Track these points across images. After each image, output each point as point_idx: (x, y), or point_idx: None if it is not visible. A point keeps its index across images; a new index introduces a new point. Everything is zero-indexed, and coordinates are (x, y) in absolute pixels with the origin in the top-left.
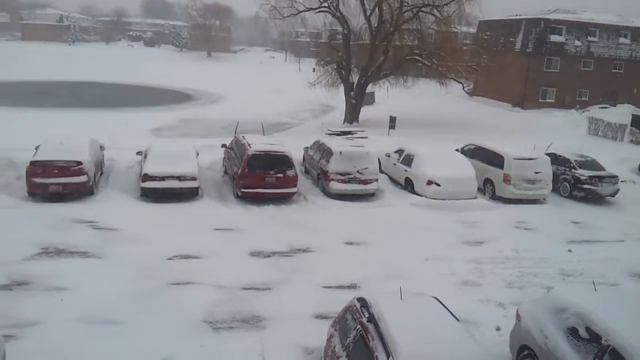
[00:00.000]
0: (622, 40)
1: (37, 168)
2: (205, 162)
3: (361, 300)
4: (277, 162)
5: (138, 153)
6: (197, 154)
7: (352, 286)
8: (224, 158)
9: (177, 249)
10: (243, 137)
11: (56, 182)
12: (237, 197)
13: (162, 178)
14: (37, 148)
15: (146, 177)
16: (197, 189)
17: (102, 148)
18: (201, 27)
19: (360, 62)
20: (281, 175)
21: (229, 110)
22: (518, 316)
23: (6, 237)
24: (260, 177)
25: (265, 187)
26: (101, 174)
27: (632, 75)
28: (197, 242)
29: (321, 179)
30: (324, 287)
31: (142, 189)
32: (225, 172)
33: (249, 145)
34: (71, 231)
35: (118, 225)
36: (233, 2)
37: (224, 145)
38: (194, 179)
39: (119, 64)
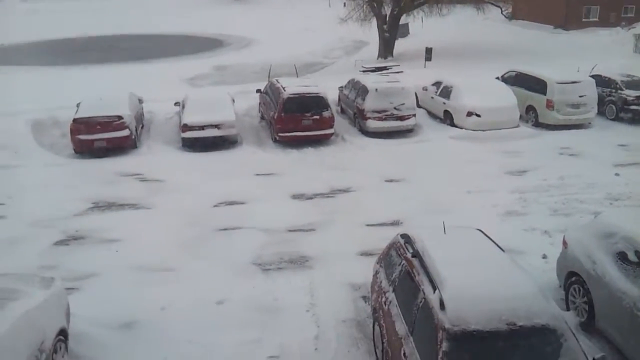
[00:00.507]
0: None
1: (80, 125)
2: (242, 109)
3: (405, 236)
4: (313, 104)
5: (176, 104)
6: (233, 101)
7: (395, 223)
8: (260, 103)
9: (221, 196)
10: (277, 80)
11: (100, 138)
12: (275, 141)
13: (202, 127)
14: (78, 105)
15: (186, 128)
16: (236, 136)
17: (140, 101)
18: None
19: None
20: (317, 117)
21: (261, 54)
22: (565, 243)
23: (58, 194)
24: (296, 120)
25: (302, 130)
26: (142, 127)
27: None
28: (240, 188)
29: (358, 118)
30: (367, 225)
31: (183, 139)
32: (262, 117)
33: (283, 88)
34: (119, 184)
35: (163, 176)
36: None
37: (258, 91)
38: (232, 126)
39: (143, 13)
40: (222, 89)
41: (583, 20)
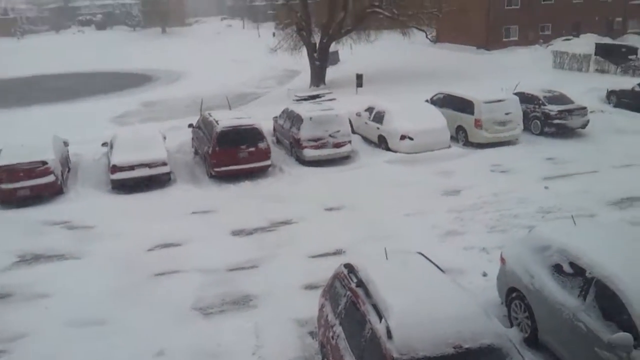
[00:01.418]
0: None
1: (2, 174)
2: (174, 145)
3: (348, 266)
4: (248, 136)
5: (104, 144)
6: (164, 138)
7: (338, 252)
8: (193, 138)
9: (156, 238)
10: (209, 114)
11: (23, 186)
12: (211, 177)
13: (132, 167)
14: None
15: (115, 169)
16: (168, 174)
17: (65, 144)
18: (152, 3)
19: (320, 20)
20: (253, 149)
21: (192, 87)
22: (503, 259)
23: None
24: (232, 153)
25: (238, 163)
26: (68, 170)
27: (591, 3)
28: (175, 229)
29: (294, 147)
30: (310, 256)
31: (112, 181)
32: (196, 152)
33: (217, 122)
34: (46, 235)
35: (93, 222)
36: None
37: (190, 125)
38: (164, 164)
39: (71, 52)
40: (152, 125)
41: (504, 40)
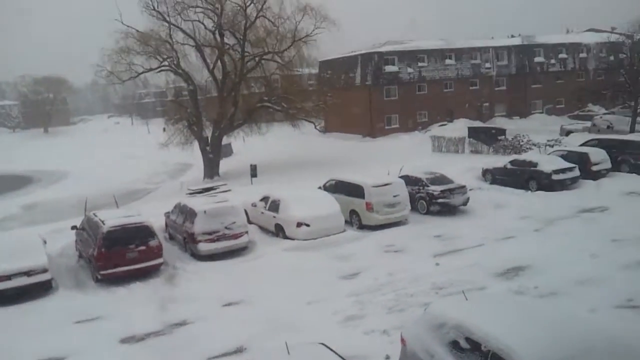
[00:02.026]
0: (448, 61)
1: None
2: (56, 250)
3: None
4: (137, 234)
5: None
6: (45, 242)
7: (239, 350)
8: (76, 241)
9: (34, 355)
10: (94, 214)
11: None
12: (98, 280)
13: (7, 277)
14: None
15: None
16: (49, 281)
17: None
18: (34, 103)
19: (211, 115)
20: (143, 247)
21: (77, 187)
22: (403, 341)
23: None
24: (119, 254)
25: (127, 264)
26: None
27: (461, 91)
28: (57, 342)
29: (188, 242)
30: (209, 358)
31: None
32: (80, 255)
33: (102, 222)
34: None
35: None
36: (66, 72)
37: (74, 227)
38: (44, 270)
39: None
40: (32, 230)
41: (386, 128)
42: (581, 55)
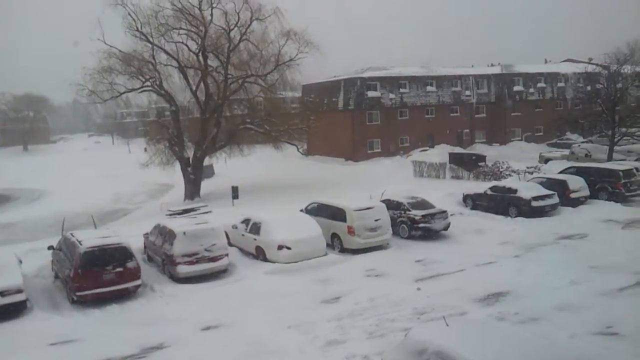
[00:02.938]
0: (429, 88)
1: None
2: (32, 269)
3: None
4: (114, 255)
5: None
6: (20, 262)
7: None
8: (53, 261)
9: None
10: (72, 234)
11: None
12: (74, 302)
13: None
14: None
15: None
16: (24, 302)
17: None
18: (13, 121)
19: (193, 136)
20: (121, 269)
21: (55, 206)
22: None
23: None
24: (96, 275)
25: (104, 286)
26: None
27: (442, 117)
28: None
29: (167, 264)
30: None
31: None
32: (56, 276)
33: (79, 242)
34: None
35: None
36: (46, 90)
37: (50, 247)
38: (19, 291)
39: None
40: (8, 249)
41: (368, 151)
42: (559, 84)
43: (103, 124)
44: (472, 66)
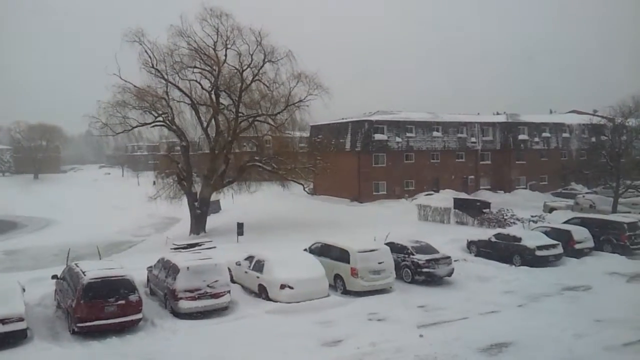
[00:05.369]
0: (435, 134)
1: None
2: (35, 298)
3: None
4: (117, 287)
5: None
6: (24, 290)
7: None
8: (56, 290)
9: None
10: (76, 264)
11: None
12: (74, 333)
13: None
14: None
15: None
16: (25, 330)
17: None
18: (26, 149)
19: (202, 171)
20: (123, 301)
21: (62, 235)
22: None
23: None
24: (98, 307)
25: (105, 318)
26: None
27: (447, 163)
28: None
29: (169, 299)
30: None
31: None
32: (59, 306)
33: (83, 273)
34: None
35: None
36: (61, 121)
37: (54, 277)
38: (20, 319)
39: None
40: (12, 276)
41: (374, 193)
42: (564, 135)
43: (114, 156)
44: (478, 114)
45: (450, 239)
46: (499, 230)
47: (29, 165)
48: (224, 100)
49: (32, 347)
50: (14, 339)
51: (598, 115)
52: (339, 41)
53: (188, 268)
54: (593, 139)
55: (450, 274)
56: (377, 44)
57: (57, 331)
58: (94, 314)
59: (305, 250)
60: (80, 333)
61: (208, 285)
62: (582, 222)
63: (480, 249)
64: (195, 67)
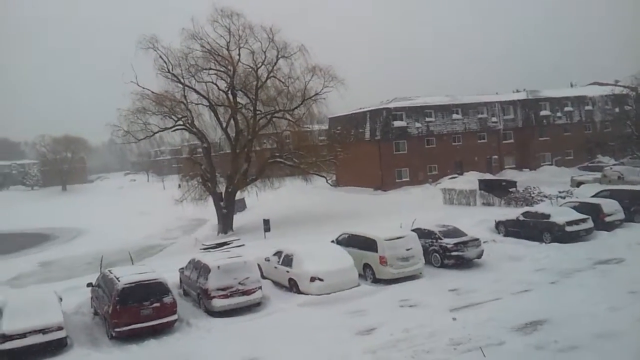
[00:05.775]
0: (455, 116)
1: None
2: (72, 307)
3: None
4: (151, 291)
5: None
6: (61, 300)
7: None
8: (92, 298)
9: None
10: (110, 271)
11: None
12: (112, 338)
13: (23, 335)
14: None
15: (4, 338)
16: (64, 339)
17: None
18: (52, 162)
19: (225, 171)
20: (158, 304)
21: (93, 244)
22: None
23: None
24: (134, 311)
25: (141, 321)
26: None
27: (469, 145)
28: None
29: (202, 298)
30: None
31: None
32: (96, 313)
33: (117, 278)
34: None
35: None
36: (84, 132)
37: (89, 284)
38: (60, 328)
39: None
40: (48, 286)
41: (396, 180)
42: (587, 107)
43: (138, 162)
44: (497, 93)
45: (477, 220)
46: (526, 208)
47: (56, 177)
48: (241, 100)
49: (73, 354)
50: (55, 347)
51: (620, 85)
52: (353, 31)
53: (219, 267)
54: (617, 110)
55: (479, 255)
56: (394, 29)
57: (95, 337)
58: (130, 318)
59: (332, 242)
60: (118, 338)
61: (239, 283)
62: (611, 194)
63: (508, 228)
64: (210, 68)
